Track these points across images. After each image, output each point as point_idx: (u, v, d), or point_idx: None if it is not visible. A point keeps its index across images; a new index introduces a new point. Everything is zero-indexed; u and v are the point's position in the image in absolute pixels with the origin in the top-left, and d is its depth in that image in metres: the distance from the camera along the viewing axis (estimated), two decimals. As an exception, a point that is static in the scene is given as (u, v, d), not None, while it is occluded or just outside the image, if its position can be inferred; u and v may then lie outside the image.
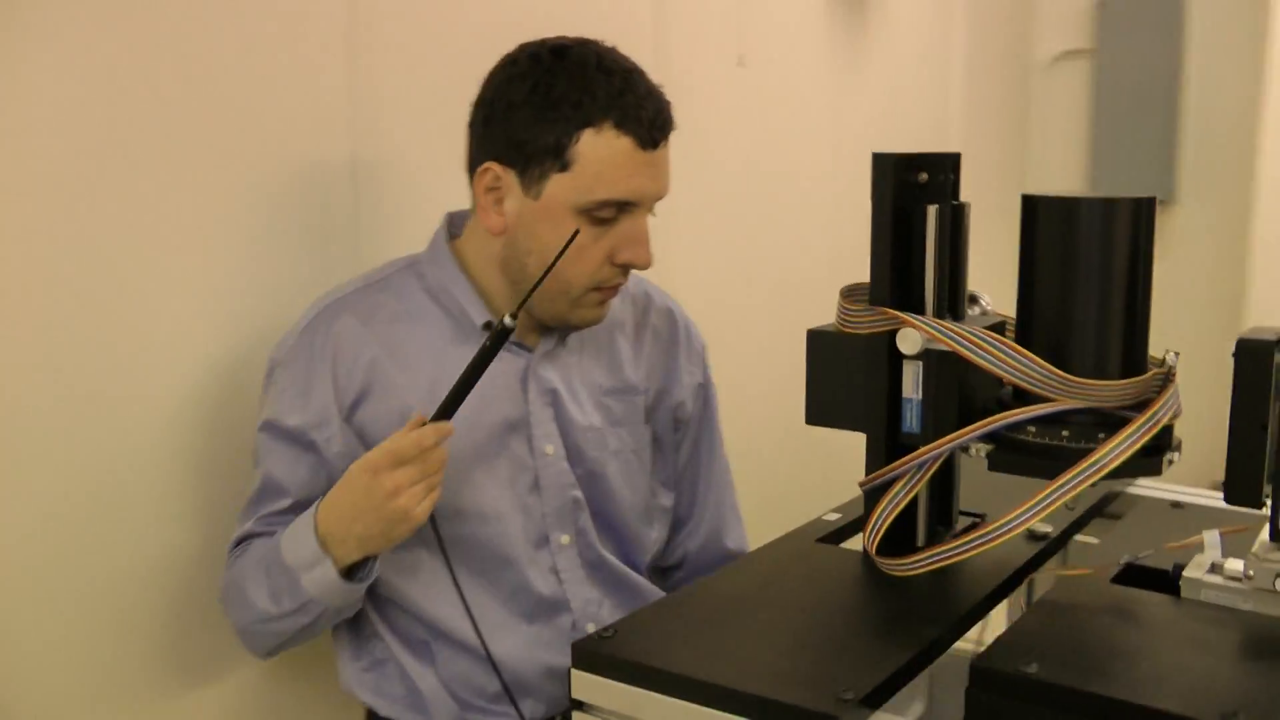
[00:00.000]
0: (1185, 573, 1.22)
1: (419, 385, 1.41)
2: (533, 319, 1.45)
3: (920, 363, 1.30)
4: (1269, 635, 1.13)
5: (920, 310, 1.32)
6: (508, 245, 1.40)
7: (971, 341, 1.22)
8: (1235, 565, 1.19)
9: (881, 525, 1.29)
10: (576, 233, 1.33)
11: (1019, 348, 1.20)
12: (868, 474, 1.35)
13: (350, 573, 1.35)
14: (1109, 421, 1.19)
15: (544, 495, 1.47)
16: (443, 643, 1.47)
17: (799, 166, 2.71)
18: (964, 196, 1.39)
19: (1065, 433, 1.20)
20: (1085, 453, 1.17)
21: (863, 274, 1.32)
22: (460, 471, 1.40)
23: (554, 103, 1.32)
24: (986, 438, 1.23)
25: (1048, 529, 1.42)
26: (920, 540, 1.37)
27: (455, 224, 1.52)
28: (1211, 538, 1.23)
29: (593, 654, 1.12)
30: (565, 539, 1.50)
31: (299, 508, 1.40)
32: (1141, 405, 1.19)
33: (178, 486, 1.51)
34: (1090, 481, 1.14)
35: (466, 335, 1.43)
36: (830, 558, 1.37)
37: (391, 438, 1.28)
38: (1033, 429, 1.21)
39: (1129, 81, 3.63)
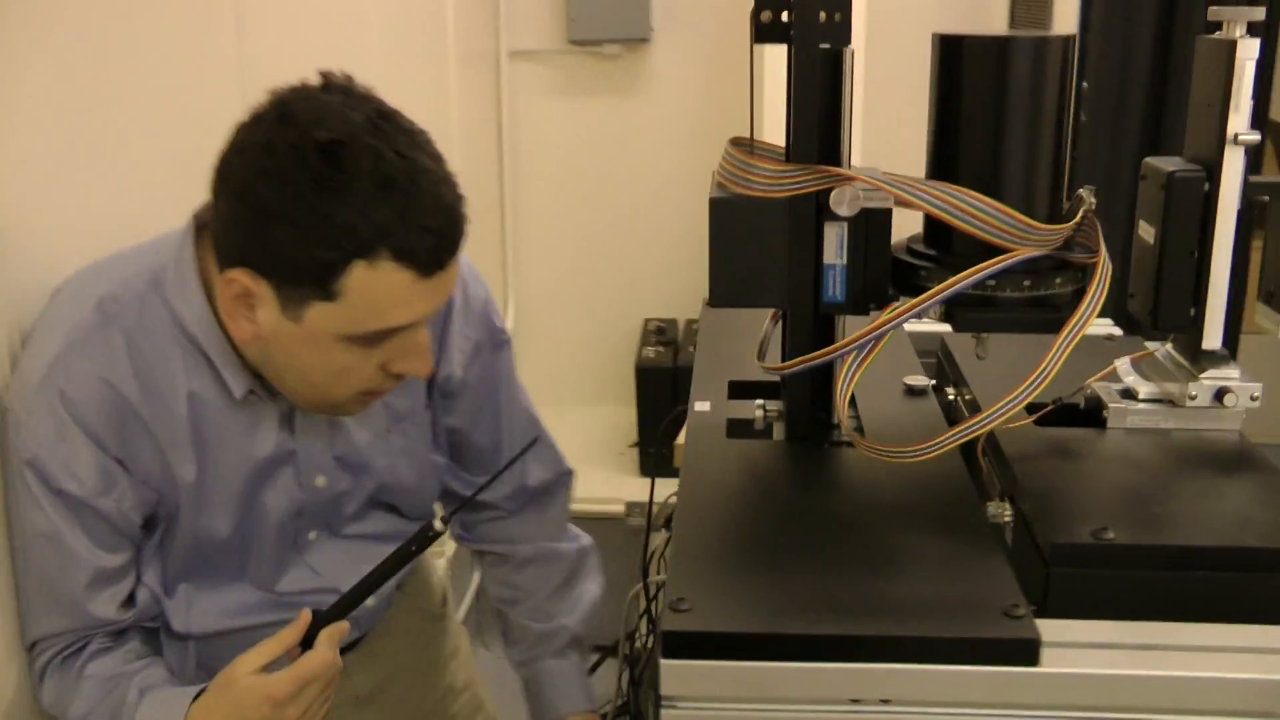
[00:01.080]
0: (1110, 404, 1.24)
1: (180, 436, 1.18)
2: None
3: (845, 224, 1.17)
4: (1232, 451, 1.19)
5: (837, 165, 1.18)
6: (261, 350, 1.14)
7: (936, 196, 1.12)
8: (1166, 388, 1.23)
9: (844, 406, 1.16)
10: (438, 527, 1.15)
11: (983, 197, 1.12)
12: (791, 353, 1.21)
13: None
14: (1045, 266, 1.16)
15: (305, 517, 1.29)
16: None
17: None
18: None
19: (1026, 282, 1.15)
20: (1055, 299, 1.14)
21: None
22: (221, 509, 1.22)
23: (320, 222, 1.03)
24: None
25: (927, 383, 1.38)
26: (836, 418, 1.26)
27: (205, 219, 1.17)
28: (1124, 365, 1.27)
29: (690, 638, 0.89)
30: (313, 535, 1.32)
31: (104, 577, 1.19)
32: (1068, 245, 1.18)
33: None
34: (1086, 329, 1.11)
35: (228, 394, 1.19)
36: (783, 456, 1.23)
37: (269, 646, 1.12)
38: (993, 282, 1.14)
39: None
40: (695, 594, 0.93)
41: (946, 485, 1.14)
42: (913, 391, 1.37)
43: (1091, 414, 1.27)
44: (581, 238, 3.68)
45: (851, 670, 0.89)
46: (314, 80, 1.09)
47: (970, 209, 1.12)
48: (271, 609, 1.28)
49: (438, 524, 1.12)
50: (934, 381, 1.43)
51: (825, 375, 1.25)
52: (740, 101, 3.55)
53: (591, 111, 3.63)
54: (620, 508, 3.23)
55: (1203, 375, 1.20)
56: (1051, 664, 0.89)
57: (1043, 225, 1.13)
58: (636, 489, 3.31)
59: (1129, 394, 1.25)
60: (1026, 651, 0.89)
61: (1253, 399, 1.20)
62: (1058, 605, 1.00)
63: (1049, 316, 1.15)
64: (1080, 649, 0.91)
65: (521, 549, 1.48)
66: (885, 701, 0.90)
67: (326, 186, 1.02)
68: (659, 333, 3.57)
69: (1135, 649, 0.92)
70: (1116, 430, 1.24)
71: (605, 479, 3.38)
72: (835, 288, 1.20)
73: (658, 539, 2.53)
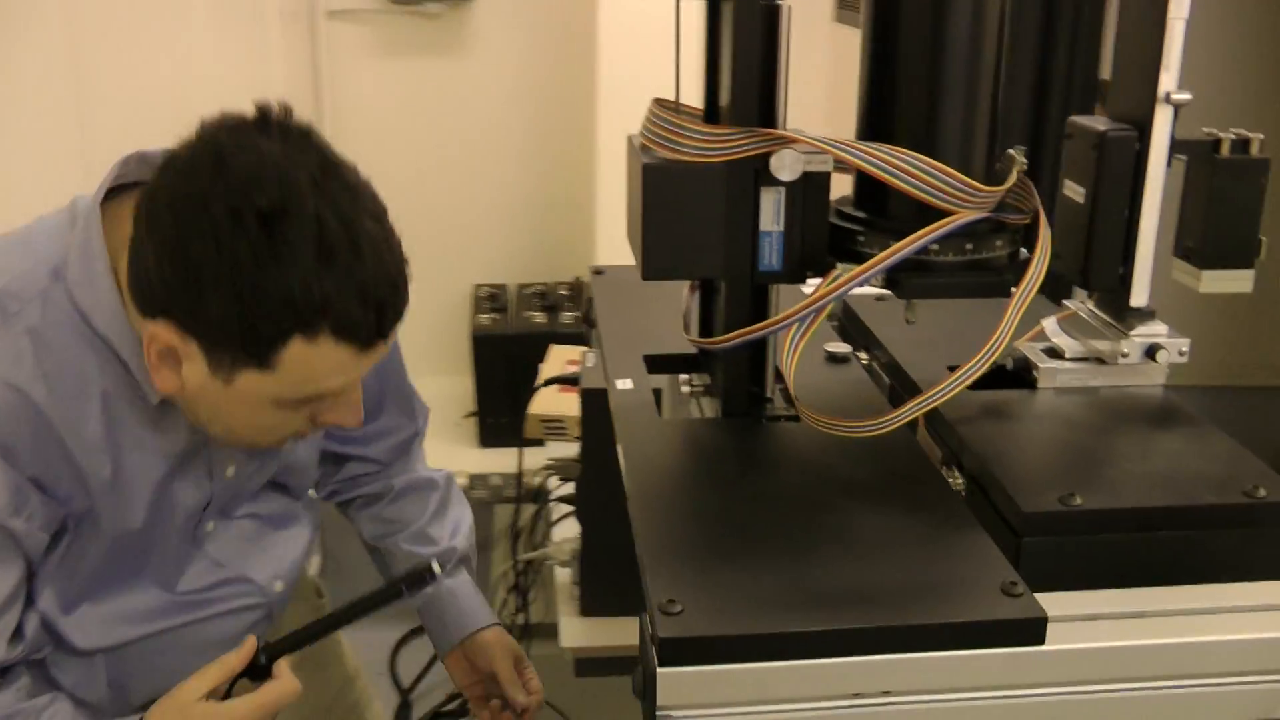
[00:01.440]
0: (1040, 365, 1.24)
1: (94, 438, 1.08)
2: None
3: (783, 189, 1.12)
4: (1163, 406, 1.20)
5: (773, 126, 1.13)
6: (185, 401, 1.09)
7: (880, 158, 1.07)
8: (1094, 346, 1.23)
9: (791, 379, 1.11)
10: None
11: (927, 159, 1.08)
12: (729, 325, 1.15)
13: None
14: (983, 229, 1.14)
15: (209, 510, 1.23)
16: None
17: None
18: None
19: (968, 245, 1.12)
20: (995, 262, 1.12)
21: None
22: (137, 505, 1.13)
23: (257, 294, 0.97)
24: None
25: (848, 349, 1.35)
26: (768, 390, 1.21)
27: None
28: (1051, 325, 1.26)
29: (687, 644, 0.83)
30: (210, 526, 1.25)
31: None
32: (1000, 206, 1.16)
33: None
34: (1035, 291, 1.09)
35: (141, 398, 1.10)
36: (725, 434, 1.17)
37: (214, 671, 1.06)
38: (935, 246, 1.11)
39: None
40: (682, 594, 0.87)
41: (902, 458, 1.11)
42: (835, 359, 1.33)
43: (1020, 375, 1.26)
44: (405, 202, 3.52)
45: (853, 665, 0.85)
46: (249, 110, 1.01)
47: (916, 171, 1.08)
48: (177, 611, 1.21)
49: (435, 567, 1.10)
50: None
51: (756, 348, 1.20)
52: (564, 62, 3.47)
53: (413, 72, 3.47)
54: (462, 480, 3.13)
55: (1133, 333, 1.21)
56: (1054, 640, 0.86)
57: (984, 186, 1.10)
58: (477, 460, 3.23)
59: (1055, 353, 1.25)
60: (1034, 630, 0.86)
61: (1180, 354, 1.21)
62: (1028, 576, 0.97)
63: (993, 280, 1.13)
64: (1075, 622, 0.89)
65: (396, 482, 1.45)
66: (886, 693, 0.86)
67: (266, 257, 0.95)
68: (491, 299, 3.46)
69: (1129, 618, 0.91)
70: (1047, 390, 1.23)
71: (445, 451, 3.26)
72: (772, 256, 1.14)
73: (526, 513, 2.44)
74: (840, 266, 1.12)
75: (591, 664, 2.02)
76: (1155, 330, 1.21)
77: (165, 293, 0.99)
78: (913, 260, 1.10)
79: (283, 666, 1.07)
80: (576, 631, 1.72)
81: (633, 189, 1.17)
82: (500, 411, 3.34)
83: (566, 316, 3.26)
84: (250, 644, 1.06)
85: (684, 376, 1.26)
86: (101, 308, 1.04)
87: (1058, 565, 0.98)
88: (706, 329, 1.29)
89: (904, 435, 1.14)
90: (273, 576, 1.30)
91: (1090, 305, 1.28)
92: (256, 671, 1.08)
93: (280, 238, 0.95)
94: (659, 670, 0.82)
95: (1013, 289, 1.10)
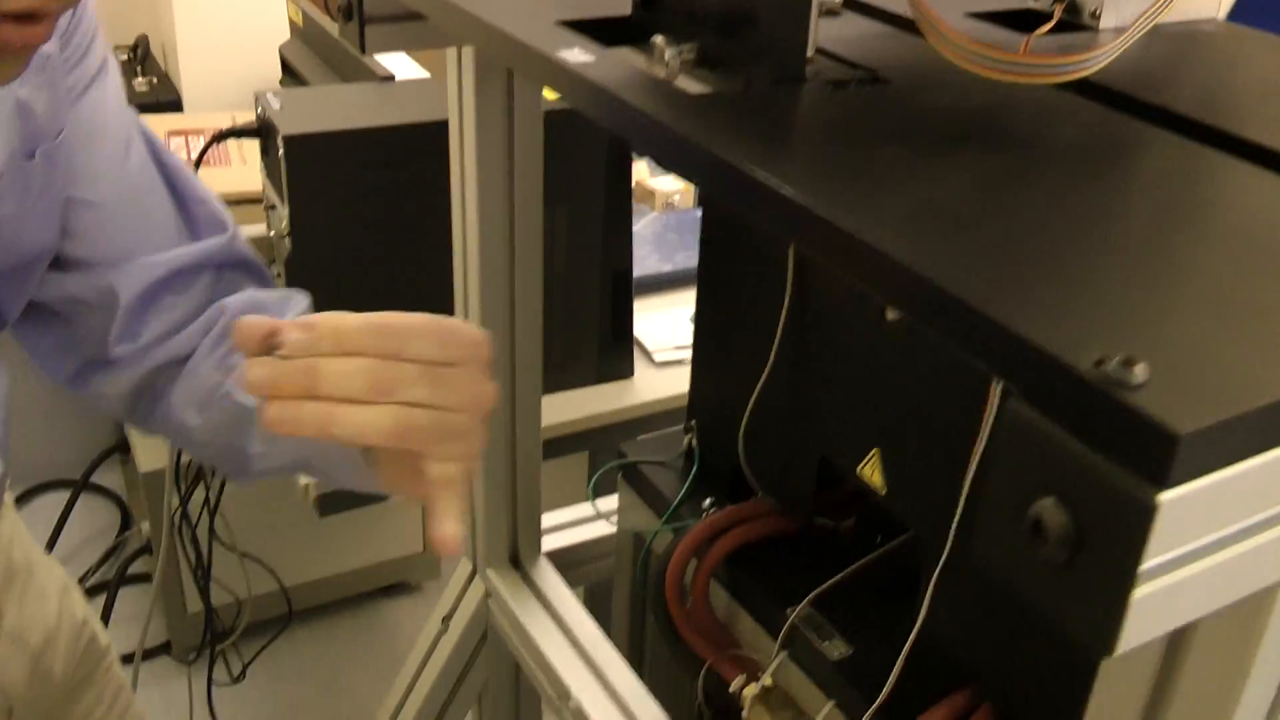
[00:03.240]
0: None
1: None
2: None
3: None
4: (1251, 36, 0.93)
5: None
6: None
7: None
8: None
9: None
10: None
11: None
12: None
13: None
14: None
15: None
16: None
17: None
18: None
19: None
20: None
21: None
22: None
23: None
24: None
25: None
26: (811, 45, 0.80)
27: None
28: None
29: (1207, 440, 0.44)
30: None
31: None
32: None
33: None
34: None
35: None
36: (819, 105, 0.76)
37: None
38: None
39: None
40: (1113, 346, 0.46)
41: (1082, 112, 0.75)
42: (822, 10, 0.93)
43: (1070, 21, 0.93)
44: None
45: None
46: None
47: None
48: None
49: None
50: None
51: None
52: None
53: None
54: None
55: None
56: None
57: None
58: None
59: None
60: None
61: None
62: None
63: None
64: None
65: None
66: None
67: None
68: None
69: None
70: (1108, 32, 0.92)
71: None
72: None
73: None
74: None
75: (334, 499, 1.56)
76: (1238, -61, 0.93)
77: None
78: None
79: None
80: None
81: None
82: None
83: (139, 84, 2.61)
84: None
85: (658, 38, 0.80)
86: None
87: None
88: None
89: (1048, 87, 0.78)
90: None
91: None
92: None
93: None
94: (1162, 499, 0.43)
95: None
